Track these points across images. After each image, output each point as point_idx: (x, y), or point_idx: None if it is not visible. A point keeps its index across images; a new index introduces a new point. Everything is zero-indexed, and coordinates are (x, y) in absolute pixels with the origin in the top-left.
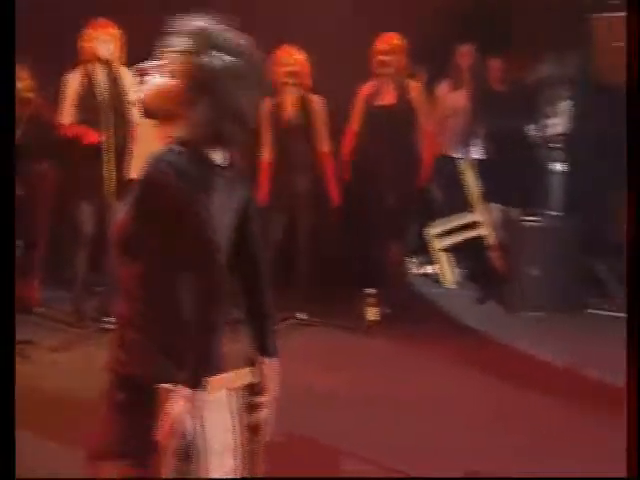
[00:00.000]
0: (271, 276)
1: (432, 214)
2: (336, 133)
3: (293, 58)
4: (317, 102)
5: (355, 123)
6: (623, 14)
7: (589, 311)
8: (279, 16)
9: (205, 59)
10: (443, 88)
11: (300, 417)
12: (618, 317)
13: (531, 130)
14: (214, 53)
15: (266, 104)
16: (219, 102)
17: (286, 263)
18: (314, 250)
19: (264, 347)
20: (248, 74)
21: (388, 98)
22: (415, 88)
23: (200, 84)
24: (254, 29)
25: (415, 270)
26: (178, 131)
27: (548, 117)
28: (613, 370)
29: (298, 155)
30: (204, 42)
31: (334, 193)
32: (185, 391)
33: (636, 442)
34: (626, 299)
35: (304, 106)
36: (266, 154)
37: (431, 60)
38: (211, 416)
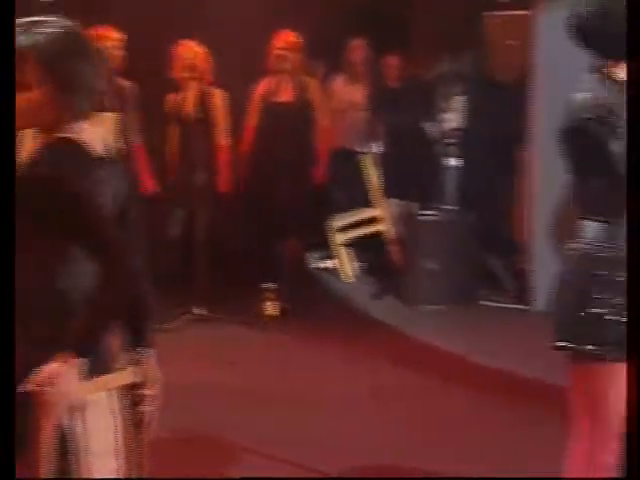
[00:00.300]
0: (168, 271)
1: (333, 208)
2: (239, 128)
3: (193, 52)
4: (219, 96)
5: (252, 119)
6: (515, 12)
7: (484, 303)
8: (179, 10)
9: (33, 39)
10: (338, 83)
11: (197, 413)
12: (511, 308)
13: (427, 126)
14: (37, 32)
15: (169, 99)
16: (66, 78)
17: (184, 258)
18: (213, 245)
19: (140, 340)
20: (78, 42)
21: (286, 95)
22: (312, 85)
23: (41, 68)
24: (154, 24)
25: (315, 265)
26: (53, 128)
27: (443, 113)
28: (509, 358)
29: (199, 149)
30: (30, 30)
31: (225, 184)
32: (69, 355)
33: (636, 442)
34: (627, 299)
35: (205, 100)
36: (170, 148)
37: (327, 54)
38: (92, 417)
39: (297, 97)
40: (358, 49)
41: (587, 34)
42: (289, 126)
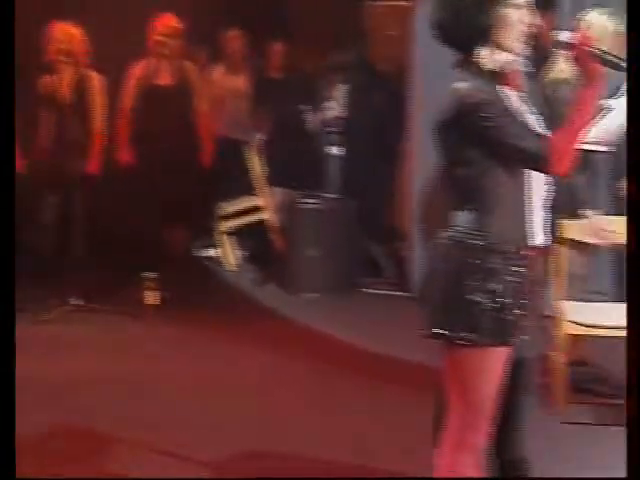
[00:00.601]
0: (43, 261)
1: (216, 197)
2: (116, 112)
3: (68, 34)
4: (95, 79)
5: (128, 100)
6: (396, 3)
7: (366, 290)
8: None
9: None
10: (218, 71)
11: (74, 406)
12: (394, 295)
13: (309, 115)
14: None
15: (44, 82)
16: None
17: (60, 247)
18: (90, 233)
19: None
20: None
21: (164, 79)
22: (191, 70)
23: None
24: (27, 3)
25: (197, 253)
26: None
27: (325, 102)
28: (393, 344)
29: (74, 134)
30: None
31: (94, 166)
32: None
33: (637, 442)
34: (626, 298)
35: (81, 83)
36: (45, 132)
37: (209, 43)
38: None
39: (176, 80)
40: (234, 39)
41: (441, 31)
42: (168, 109)
